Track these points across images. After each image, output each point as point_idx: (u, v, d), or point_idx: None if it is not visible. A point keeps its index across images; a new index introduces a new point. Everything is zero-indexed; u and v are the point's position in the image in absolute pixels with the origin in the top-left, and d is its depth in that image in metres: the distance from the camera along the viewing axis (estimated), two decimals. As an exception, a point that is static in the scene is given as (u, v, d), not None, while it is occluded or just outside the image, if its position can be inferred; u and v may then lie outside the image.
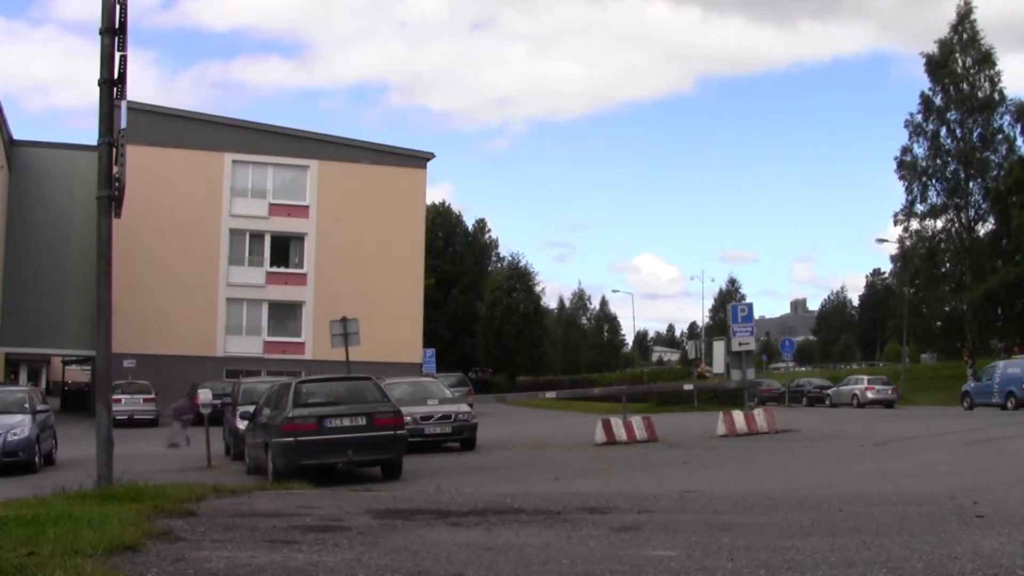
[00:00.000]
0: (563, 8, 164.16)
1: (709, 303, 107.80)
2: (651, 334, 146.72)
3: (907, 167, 51.84)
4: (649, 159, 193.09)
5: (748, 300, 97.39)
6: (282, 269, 46.11)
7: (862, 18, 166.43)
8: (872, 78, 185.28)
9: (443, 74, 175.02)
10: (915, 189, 51.83)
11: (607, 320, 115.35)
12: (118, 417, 24.30)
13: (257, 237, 46.01)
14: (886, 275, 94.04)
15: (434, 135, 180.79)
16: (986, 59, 50.80)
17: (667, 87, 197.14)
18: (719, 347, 29.25)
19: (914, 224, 52.25)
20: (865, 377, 43.67)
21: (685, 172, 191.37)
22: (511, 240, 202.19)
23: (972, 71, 50.98)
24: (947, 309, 52.30)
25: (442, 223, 69.74)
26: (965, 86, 50.82)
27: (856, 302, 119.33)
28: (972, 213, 51.64)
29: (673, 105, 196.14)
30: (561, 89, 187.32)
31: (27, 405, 17.75)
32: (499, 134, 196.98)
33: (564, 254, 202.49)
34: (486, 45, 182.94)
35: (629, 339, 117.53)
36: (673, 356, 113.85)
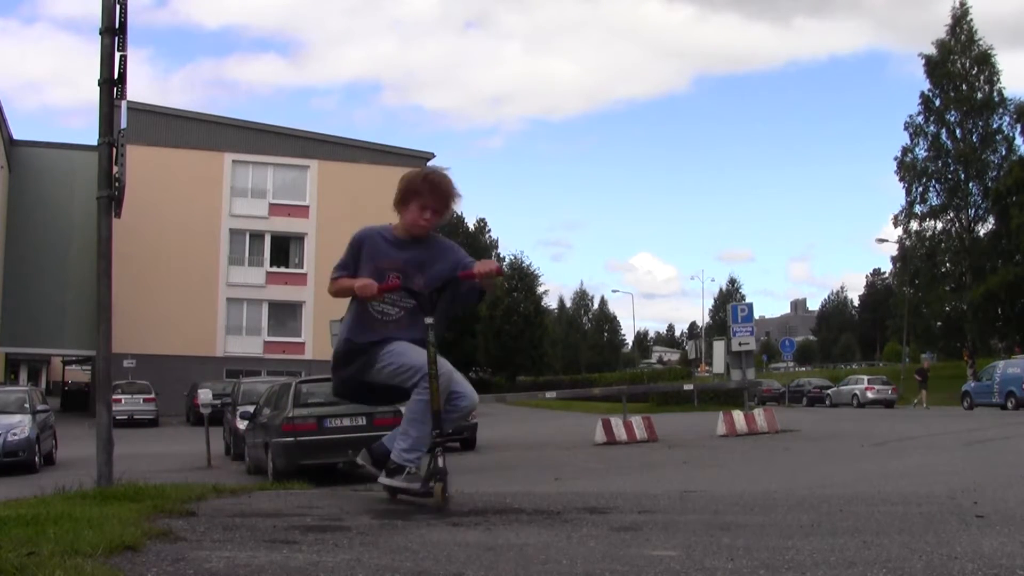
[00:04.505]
0: (557, 6, 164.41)
1: (709, 303, 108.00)
2: (651, 334, 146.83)
3: (907, 168, 51.93)
4: (645, 158, 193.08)
5: (748, 300, 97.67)
6: (282, 269, 46.14)
7: (857, 16, 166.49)
8: (869, 76, 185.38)
9: (437, 72, 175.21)
10: (915, 190, 51.94)
11: (607, 320, 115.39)
12: (118, 417, 24.33)
13: (257, 237, 46.04)
14: (886, 275, 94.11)
15: (428, 134, 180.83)
16: (985, 60, 50.88)
17: (662, 85, 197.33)
18: (719, 347, 29.24)
19: (914, 225, 52.38)
20: (865, 377, 43.71)
21: (681, 171, 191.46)
22: (506, 239, 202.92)
23: (971, 72, 51.07)
24: (947, 309, 52.35)
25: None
26: (964, 87, 50.91)
27: (856, 302, 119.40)
28: (972, 213, 51.72)
29: (669, 103, 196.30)
30: (556, 87, 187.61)
31: (27, 405, 17.76)
32: (493, 133, 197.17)
33: (559, 253, 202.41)
34: (480, 43, 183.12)
35: (629, 339, 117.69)
36: (673, 356, 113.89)
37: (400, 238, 4.79)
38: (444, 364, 4.59)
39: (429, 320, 4.55)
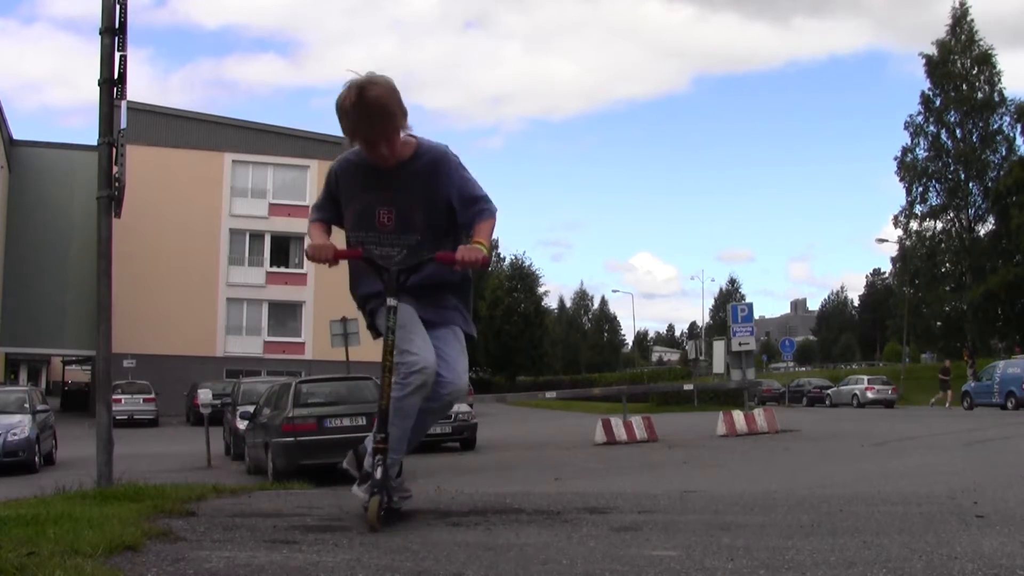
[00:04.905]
0: (557, 6, 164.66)
1: (709, 303, 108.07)
2: (651, 334, 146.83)
3: (907, 168, 51.98)
4: (644, 157, 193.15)
5: (748, 300, 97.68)
6: (282, 269, 46.14)
7: (857, 16, 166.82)
8: (869, 76, 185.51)
9: (436, 72, 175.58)
10: (915, 190, 52.00)
11: (607, 320, 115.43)
12: (118, 417, 24.34)
13: (257, 237, 46.04)
14: (886, 275, 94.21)
15: (428, 134, 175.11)
16: (985, 60, 50.95)
17: (662, 85, 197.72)
18: (719, 347, 29.26)
19: (914, 225, 52.45)
20: (865, 377, 43.70)
21: (681, 171, 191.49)
22: (506, 239, 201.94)
23: (971, 72, 51.12)
24: (947, 309, 52.39)
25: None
26: (964, 87, 50.96)
27: (856, 302, 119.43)
28: (972, 213, 51.79)
29: (668, 103, 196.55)
30: (556, 87, 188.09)
31: (27, 405, 17.77)
32: (493, 133, 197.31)
33: (559, 253, 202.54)
34: (479, 43, 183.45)
35: (629, 339, 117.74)
36: (673, 356, 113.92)
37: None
38: (427, 353, 3.77)
39: (392, 303, 3.75)
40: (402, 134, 3.83)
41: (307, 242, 4.07)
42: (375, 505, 3.61)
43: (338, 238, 4.16)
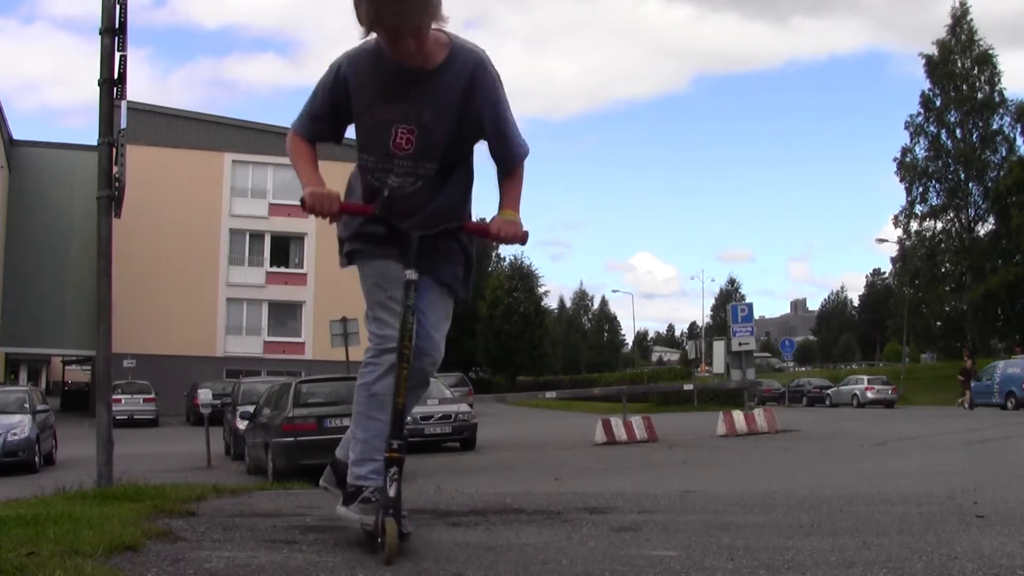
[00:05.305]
0: (557, 6, 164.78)
1: (709, 303, 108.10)
2: (651, 334, 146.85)
3: (907, 168, 52.00)
4: (644, 157, 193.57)
5: (748, 300, 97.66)
6: (282, 269, 46.15)
7: (856, 15, 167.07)
8: (868, 76, 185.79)
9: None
10: (915, 190, 52.02)
11: (607, 320, 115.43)
12: (118, 417, 24.33)
13: (257, 237, 46.05)
14: (886, 275, 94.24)
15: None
16: (985, 60, 50.96)
17: (662, 85, 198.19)
18: (719, 347, 29.25)
19: (914, 225, 52.49)
20: (865, 377, 43.69)
21: (681, 171, 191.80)
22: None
23: (971, 72, 51.14)
24: (947, 309, 52.41)
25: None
26: (964, 87, 50.98)
27: (856, 302, 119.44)
28: (972, 213, 51.81)
29: (668, 103, 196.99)
30: (555, 87, 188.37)
31: (27, 405, 17.78)
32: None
33: (559, 253, 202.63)
34: (479, 43, 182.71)
35: (629, 339, 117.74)
36: (673, 356, 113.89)
37: (402, 62, 2.98)
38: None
39: (412, 275, 3.08)
40: (433, 26, 2.98)
41: (303, 184, 3.26)
42: (393, 532, 2.84)
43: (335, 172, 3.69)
